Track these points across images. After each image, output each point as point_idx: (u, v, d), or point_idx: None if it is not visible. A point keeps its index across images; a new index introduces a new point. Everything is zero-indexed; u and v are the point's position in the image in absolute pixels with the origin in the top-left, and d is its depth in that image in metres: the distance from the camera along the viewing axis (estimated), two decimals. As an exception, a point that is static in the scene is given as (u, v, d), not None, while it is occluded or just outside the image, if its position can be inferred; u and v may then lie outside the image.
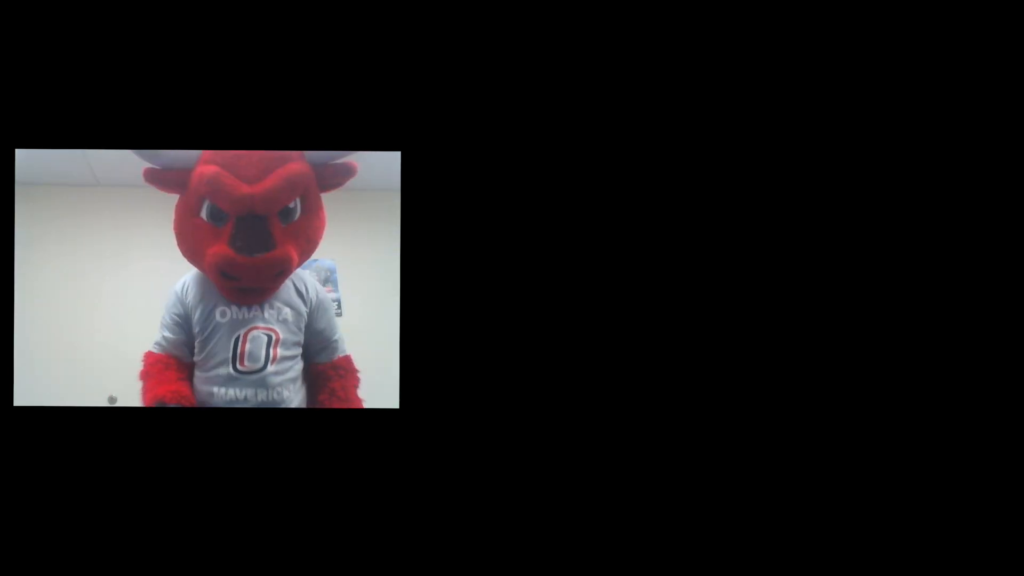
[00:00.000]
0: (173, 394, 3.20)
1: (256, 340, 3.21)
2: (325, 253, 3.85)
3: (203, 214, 3.24)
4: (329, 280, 3.85)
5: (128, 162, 3.72)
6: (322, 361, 3.33)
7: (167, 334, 3.33)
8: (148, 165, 3.37)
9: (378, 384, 3.79)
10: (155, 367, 3.30)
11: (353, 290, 3.85)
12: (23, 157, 3.73)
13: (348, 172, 3.24)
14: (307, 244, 3.21)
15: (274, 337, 3.22)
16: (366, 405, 3.79)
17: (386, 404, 3.79)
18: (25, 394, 3.73)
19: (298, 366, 3.34)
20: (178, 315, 3.34)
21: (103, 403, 3.72)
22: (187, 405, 3.20)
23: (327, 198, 3.69)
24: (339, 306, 3.84)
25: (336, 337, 3.33)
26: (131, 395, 3.72)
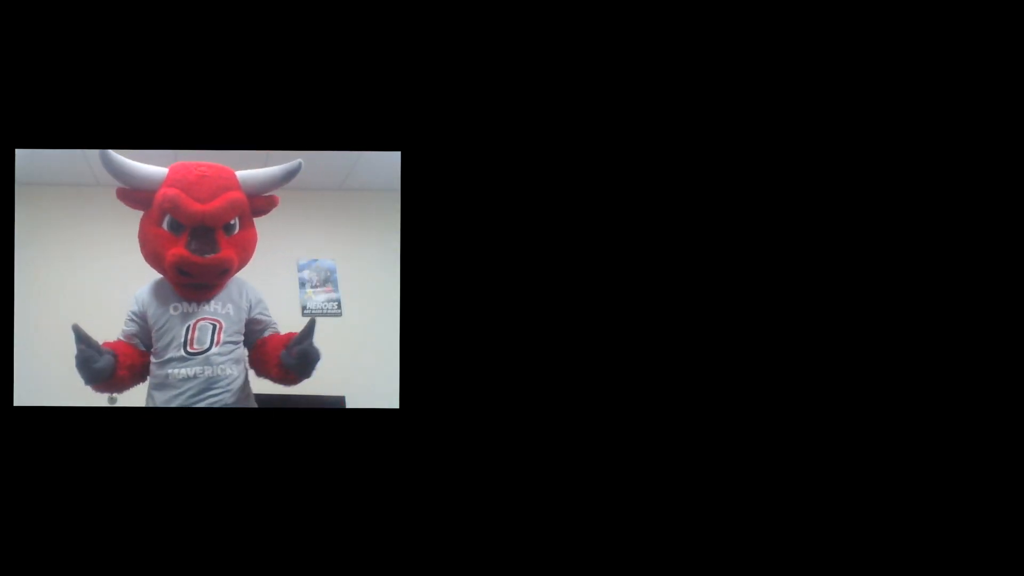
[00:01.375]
0: (121, 347, 3.76)
1: (203, 328, 3.79)
2: (325, 253, 3.86)
3: (164, 225, 3.74)
4: (329, 280, 3.85)
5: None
6: (265, 336, 3.89)
7: (125, 328, 3.77)
8: (120, 185, 3.75)
9: (378, 384, 3.80)
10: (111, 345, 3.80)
11: (353, 290, 3.85)
12: (23, 157, 3.73)
13: (271, 204, 3.83)
14: (243, 252, 3.82)
15: (218, 325, 3.80)
16: (366, 405, 3.80)
17: (386, 404, 3.79)
18: (25, 394, 3.73)
19: (240, 351, 3.81)
20: (135, 313, 3.77)
21: (103, 403, 3.72)
22: (128, 360, 3.75)
23: (328, 198, 3.86)
24: (339, 306, 3.84)
25: (272, 322, 3.89)
26: (131, 395, 3.73)
